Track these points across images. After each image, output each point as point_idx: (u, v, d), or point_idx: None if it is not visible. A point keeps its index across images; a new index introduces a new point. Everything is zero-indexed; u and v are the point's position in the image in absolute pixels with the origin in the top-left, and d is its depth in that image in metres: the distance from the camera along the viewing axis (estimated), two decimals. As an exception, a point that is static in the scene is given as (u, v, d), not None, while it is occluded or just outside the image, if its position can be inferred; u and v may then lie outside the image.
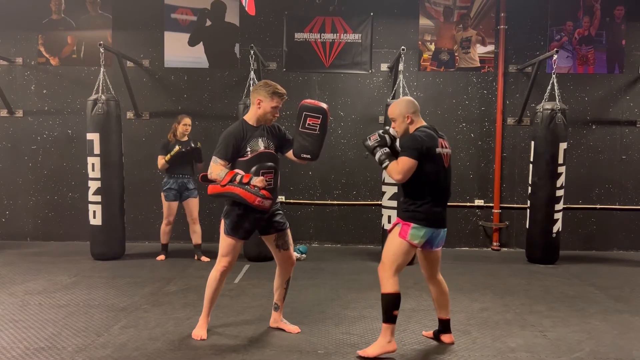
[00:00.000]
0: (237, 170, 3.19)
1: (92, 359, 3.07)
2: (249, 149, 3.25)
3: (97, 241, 5.57)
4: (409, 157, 3.01)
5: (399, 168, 3.02)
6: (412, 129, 3.14)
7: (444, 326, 3.37)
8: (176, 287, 4.58)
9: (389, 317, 3.07)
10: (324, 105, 3.30)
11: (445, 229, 3.21)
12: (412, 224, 3.05)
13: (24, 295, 4.28)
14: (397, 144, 3.23)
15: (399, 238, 3.08)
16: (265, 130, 3.34)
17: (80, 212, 6.35)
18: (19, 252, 5.97)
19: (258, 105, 3.29)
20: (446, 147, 3.16)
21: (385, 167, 3.09)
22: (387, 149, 3.12)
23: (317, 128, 3.26)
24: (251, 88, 3.37)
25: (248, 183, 3.11)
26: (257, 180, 3.12)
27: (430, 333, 3.47)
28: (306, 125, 3.26)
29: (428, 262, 3.27)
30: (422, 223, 3.07)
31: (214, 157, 3.25)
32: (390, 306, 3.05)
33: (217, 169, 3.21)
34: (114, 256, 5.61)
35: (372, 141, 3.15)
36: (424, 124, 3.17)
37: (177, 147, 5.39)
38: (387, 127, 3.26)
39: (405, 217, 3.09)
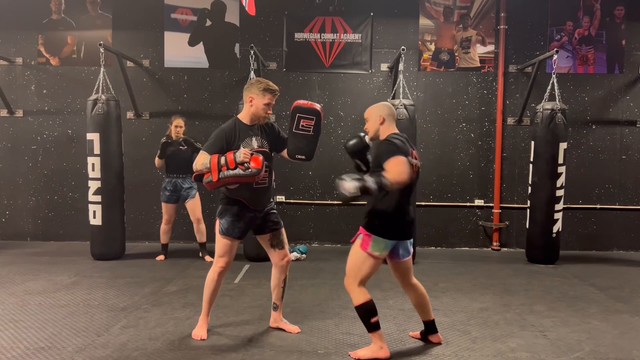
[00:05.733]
0: (218, 155, 3.15)
1: (92, 359, 3.07)
2: (242, 148, 3.24)
3: (97, 241, 5.57)
4: (396, 155, 2.80)
5: (397, 169, 2.75)
6: (383, 132, 3.02)
7: (430, 327, 3.35)
8: (176, 287, 4.58)
9: (370, 325, 3.02)
10: (317, 107, 3.28)
11: (411, 240, 3.11)
12: (374, 236, 2.94)
13: (24, 295, 4.28)
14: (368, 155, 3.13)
15: (360, 249, 2.98)
16: (259, 129, 3.33)
17: (80, 212, 6.36)
18: (19, 252, 5.97)
19: (250, 103, 3.27)
20: (416, 159, 3.04)
21: (387, 185, 2.74)
22: (369, 177, 2.77)
23: (311, 129, 3.25)
24: (244, 87, 3.36)
25: (235, 167, 3.08)
26: (242, 156, 3.08)
27: (417, 334, 3.45)
28: (300, 127, 3.24)
29: (398, 272, 3.18)
30: (385, 235, 2.94)
31: (201, 151, 3.23)
32: (367, 315, 3.00)
33: (201, 159, 3.17)
34: (114, 256, 5.61)
35: (353, 186, 2.75)
36: (396, 131, 3.05)
37: (163, 139, 5.49)
38: (361, 133, 3.13)
39: (368, 228, 2.97)
